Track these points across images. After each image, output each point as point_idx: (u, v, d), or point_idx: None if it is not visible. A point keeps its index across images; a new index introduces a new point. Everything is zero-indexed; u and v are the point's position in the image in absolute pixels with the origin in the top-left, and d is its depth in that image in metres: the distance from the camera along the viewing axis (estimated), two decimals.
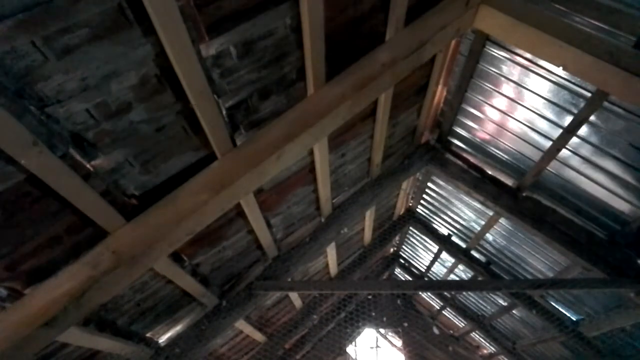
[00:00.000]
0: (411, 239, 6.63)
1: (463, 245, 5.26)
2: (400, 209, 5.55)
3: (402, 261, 7.57)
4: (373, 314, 8.30)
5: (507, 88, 2.95)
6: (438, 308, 8.13)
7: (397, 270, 8.00)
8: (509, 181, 3.64)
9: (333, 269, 5.32)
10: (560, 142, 2.87)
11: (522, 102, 2.92)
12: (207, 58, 1.67)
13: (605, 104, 2.47)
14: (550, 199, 3.42)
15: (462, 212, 4.75)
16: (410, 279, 7.54)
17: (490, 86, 3.04)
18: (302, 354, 6.75)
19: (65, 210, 1.72)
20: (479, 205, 4.22)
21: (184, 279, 2.72)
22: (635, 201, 2.82)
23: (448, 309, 7.61)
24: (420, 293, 8.29)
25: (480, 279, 5.16)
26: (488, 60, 2.91)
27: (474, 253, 5.20)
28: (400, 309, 8.62)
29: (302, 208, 3.37)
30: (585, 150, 2.82)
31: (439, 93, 3.49)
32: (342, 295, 6.65)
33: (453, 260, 5.74)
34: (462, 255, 5.24)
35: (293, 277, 3.92)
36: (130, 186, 1.91)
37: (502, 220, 4.18)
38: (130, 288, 2.45)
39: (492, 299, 5.84)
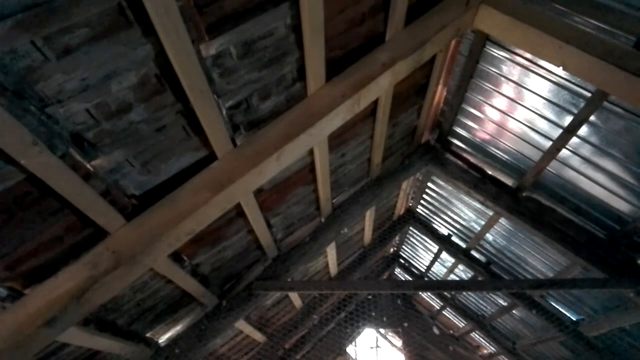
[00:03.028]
0: (411, 239, 6.63)
1: (463, 245, 5.26)
2: (400, 209, 5.55)
3: (402, 261, 7.57)
4: (373, 314, 8.29)
5: (507, 88, 2.95)
6: (438, 308, 8.13)
7: (397, 270, 8.00)
8: (509, 181, 3.64)
9: (333, 269, 5.32)
10: (560, 142, 2.87)
11: (522, 102, 2.92)
12: (207, 58, 1.67)
13: (605, 104, 2.47)
14: (550, 199, 3.42)
15: (462, 212, 4.75)
16: (410, 279, 7.54)
17: (490, 86, 3.04)
18: (302, 354, 6.75)
19: (65, 210, 1.72)
20: (479, 205, 4.22)
21: (184, 279, 2.72)
22: (635, 201, 2.82)
23: (448, 309, 7.61)
24: (420, 293, 8.29)
25: (480, 279, 5.16)
26: (488, 60, 2.91)
27: (474, 253, 5.20)
28: (400, 309, 8.61)
29: (302, 208, 3.37)
30: (585, 150, 2.82)
31: (439, 93, 3.49)
32: (342, 295, 6.66)
33: (453, 260, 5.74)
34: (462, 255, 5.24)
35: (293, 277, 3.92)
36: (130, 186, 1.91)
37: (502, 220, 4.18)
38: (130, 288, 2.45)
39: (492, 299, 5.84)
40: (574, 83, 2.55)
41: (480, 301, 6.28)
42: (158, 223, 1.98)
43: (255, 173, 2.15)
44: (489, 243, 4.78)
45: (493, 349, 7.05)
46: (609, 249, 3.24)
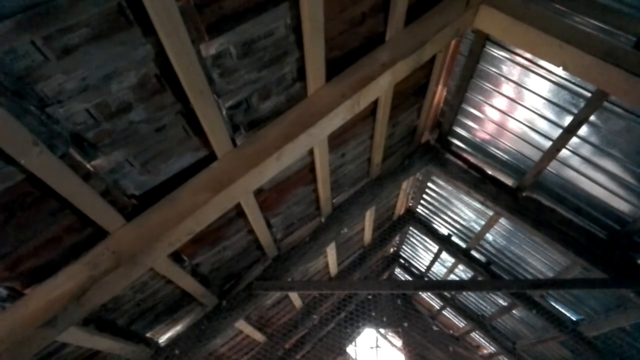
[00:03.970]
0: (411, 239, 6.63)
1: (463, 245, 5.26)
2: (400, 209, 5.55)
3: (402, 261, 7.57)
4: (373, 314, 8.29)
5: (507, 88, 2.95)
6: (438, 308, 8.13)
7: (397, 270, 8.00)
8: (509, 181, 3.64)
9: (333, 269, 5.32)
10: (560, 142, 2.87)
11: (522, 102, 2.92)
12: (207, 58, 1.67)
13: (605, 104, 2.47)
14: (550, 199, 3.42)
15: (462, 212, 4.75)
16: (410, 279, 7.54)
17: (490, 86, 3.04)
18: (302, 354, 6.75)
19: (65, 210, 1.72)
20: (479, 205, 4.22)
21: (184, 279, 2.72)
22: (635, 201, 2.82)
23: (448, 309, 7.61)
24: (420, 293, 8.29)
25: (480, 279, 5.16)
26: (488, 60, 2.91)
27: (474, 253, 5.20)
28: (400, 309, 8.61)
29: (302, 208, 3.37)
30: (585, 150, 2.82)
31: (439, 93, 3.49)
32: (342, 295, 6.65)
33: (453, 260, 5.74)
34: (462, 255, 5.24)
35: (293, 277, 3.92)
36: (130, 186, 1.91)
37: (502, 220, 4.18)
38: (130, 288, 2.45)
39: (492, 299, 5.84)
40: (574, 83, 2.55)
41: (480, 301, 6.28)
42: (158, 223, 1.98)
43: (255, 173, 2.15)
44: (489, 243, 4.78)
45: (493, 349, 7.06)
46: (609, 249, 3.24)
